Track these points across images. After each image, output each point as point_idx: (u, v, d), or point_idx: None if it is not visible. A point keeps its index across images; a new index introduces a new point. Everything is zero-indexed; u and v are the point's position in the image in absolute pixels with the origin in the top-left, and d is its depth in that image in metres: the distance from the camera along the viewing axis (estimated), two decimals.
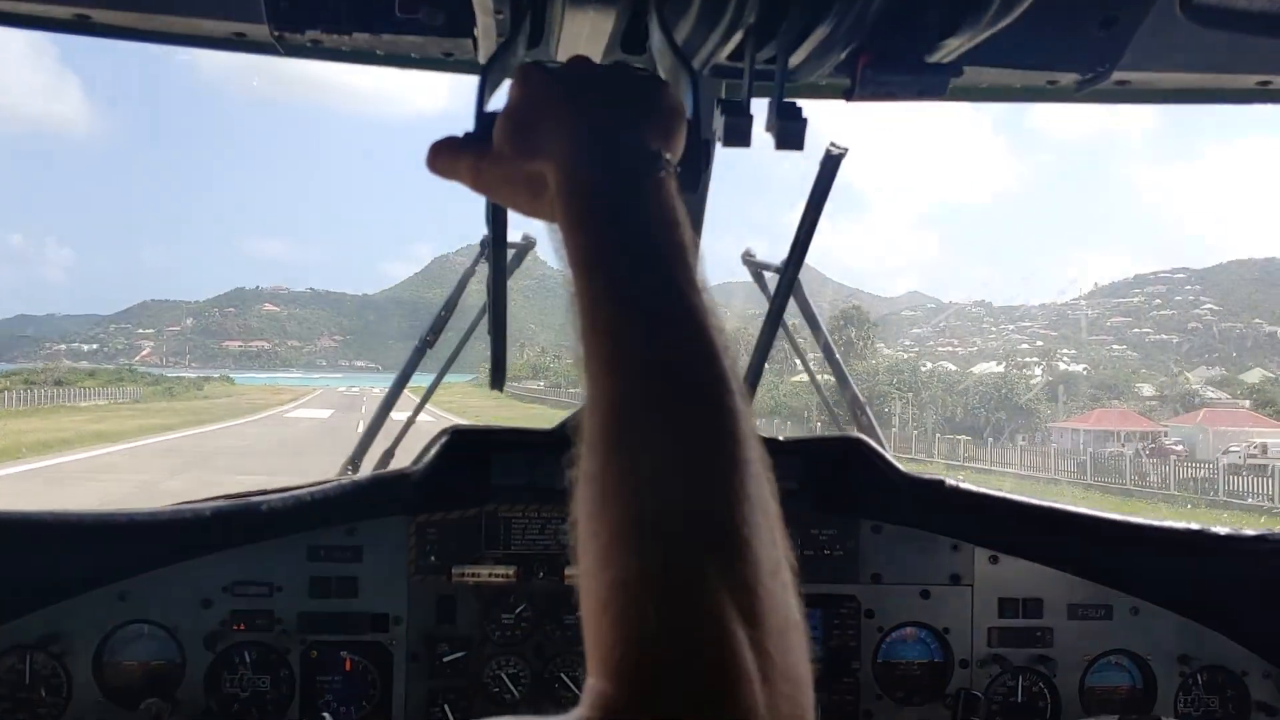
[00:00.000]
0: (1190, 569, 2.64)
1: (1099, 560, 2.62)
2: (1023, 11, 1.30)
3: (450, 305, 2.77)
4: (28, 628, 2.32)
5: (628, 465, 0.80)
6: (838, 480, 2.62)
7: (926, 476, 2.62)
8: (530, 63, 1.15)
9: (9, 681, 2.32)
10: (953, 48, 1.41)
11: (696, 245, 0.96)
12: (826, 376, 3.23)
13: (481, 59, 1.61)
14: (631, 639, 0.72)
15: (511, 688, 2.53)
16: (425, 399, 3.22)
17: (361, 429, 3.09)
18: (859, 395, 2.99)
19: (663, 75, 1.37)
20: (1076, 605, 2.62)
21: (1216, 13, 1.44)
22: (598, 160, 1.01)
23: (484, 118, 1.16)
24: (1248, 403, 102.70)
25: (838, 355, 3.04)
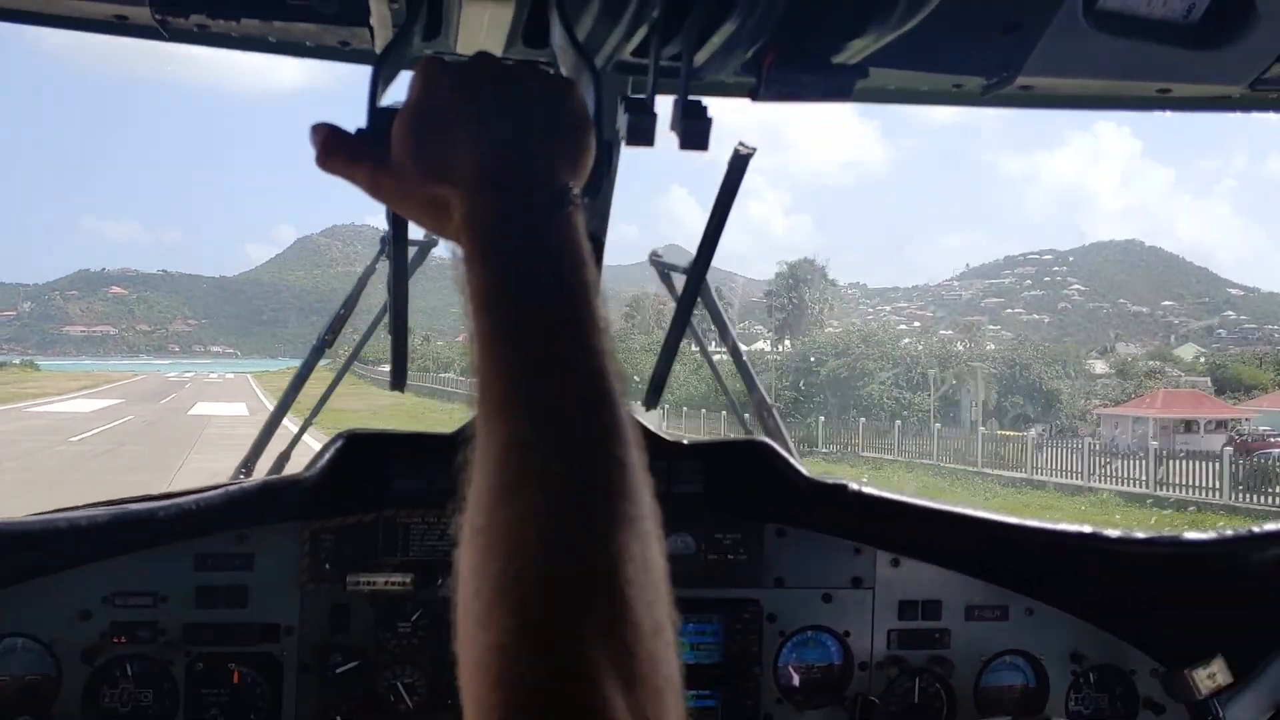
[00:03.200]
0: (1083, 570, 2.69)
1: (996, 562, 2.66)
2: (928, 15, 1.29)
3: (350, 303, 2.69)
4: None
5: (514, 517, 0.78)
6: (742, 484, 2.61)
7: (830, 480, 2.62)
8: (431, 57, 1.08)
9: None
10: (859, 49, 1.40)
11: (598, 282, 0.93)
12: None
13: (378, 49, 1.54)
14: (509, 699, 0.71)
15: (407, 698, 2.45)
16: (324, 399, 3.13)
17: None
18: (765, 398, 2.98)
19: (565, 72, 1.33)
20: (974, 607, 2.65)
21: (1119, 20, 1.46)
22: (507, 196, 0.96)
23: (378, 114, 1.09)
24: (1208, 379, 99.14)
25: (745, 358, 3.04)
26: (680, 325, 2.44)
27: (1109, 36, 1.48)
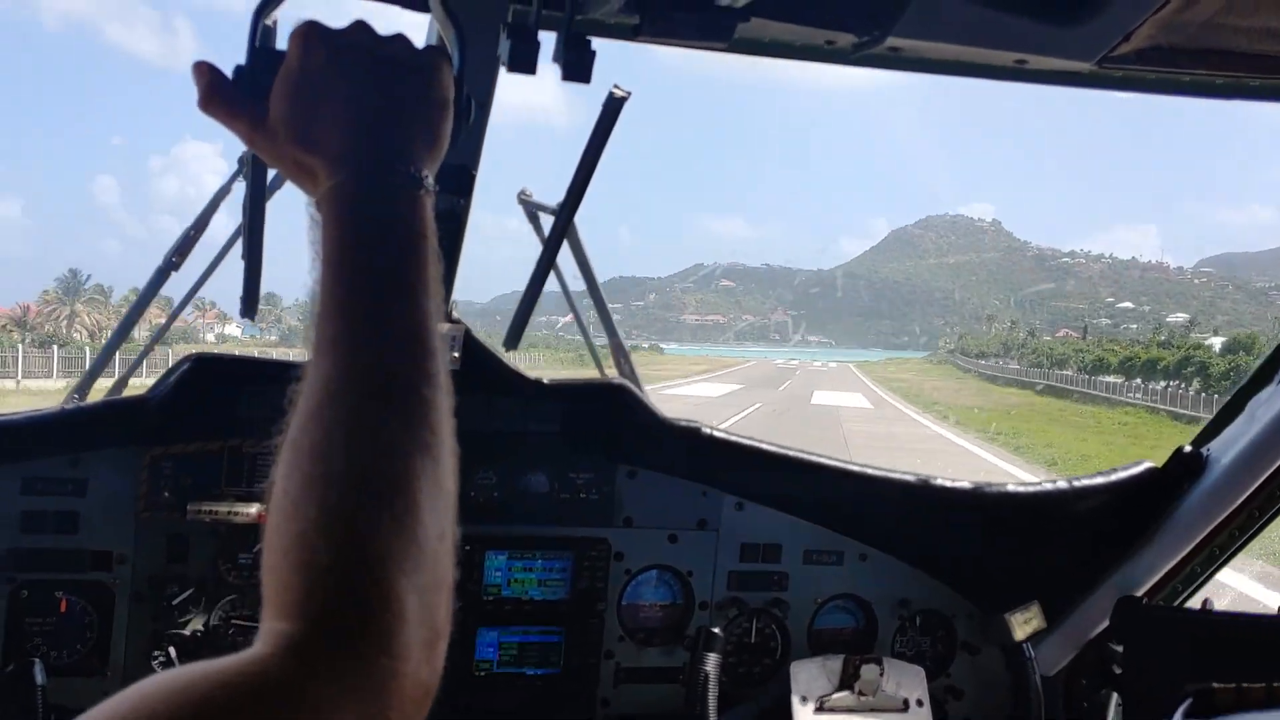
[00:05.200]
0: (914, 518, 2.82)
1: (834, 508, 2.76)
2: None
3: (200, 225, 2.58)
4: None
5: (325, 433, 0.90)
6: (598, 425, 2.63)
7: (683, 423, 2.67)
8: (311, 23, 1.10)
9: None
10: None
11: (436, 252, 1.04)
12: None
13: None
14: (309, 581, 0.81)
15: (243, 630, 2.40)
16: (170, 322, 2.99)
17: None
18: (623, 342, 3.00)
19: (439, 16, 1.33)
20: (811, 551, 2.76)
21: None
22: (366, 179, 1.05)
23: (258, 55, 1.13)
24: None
25: (605, 301, 3.05)
26: (545, 266, 2.44)
27: (976, 4, 1.54)
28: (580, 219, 2.48)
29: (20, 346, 61.66)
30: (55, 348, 64.88)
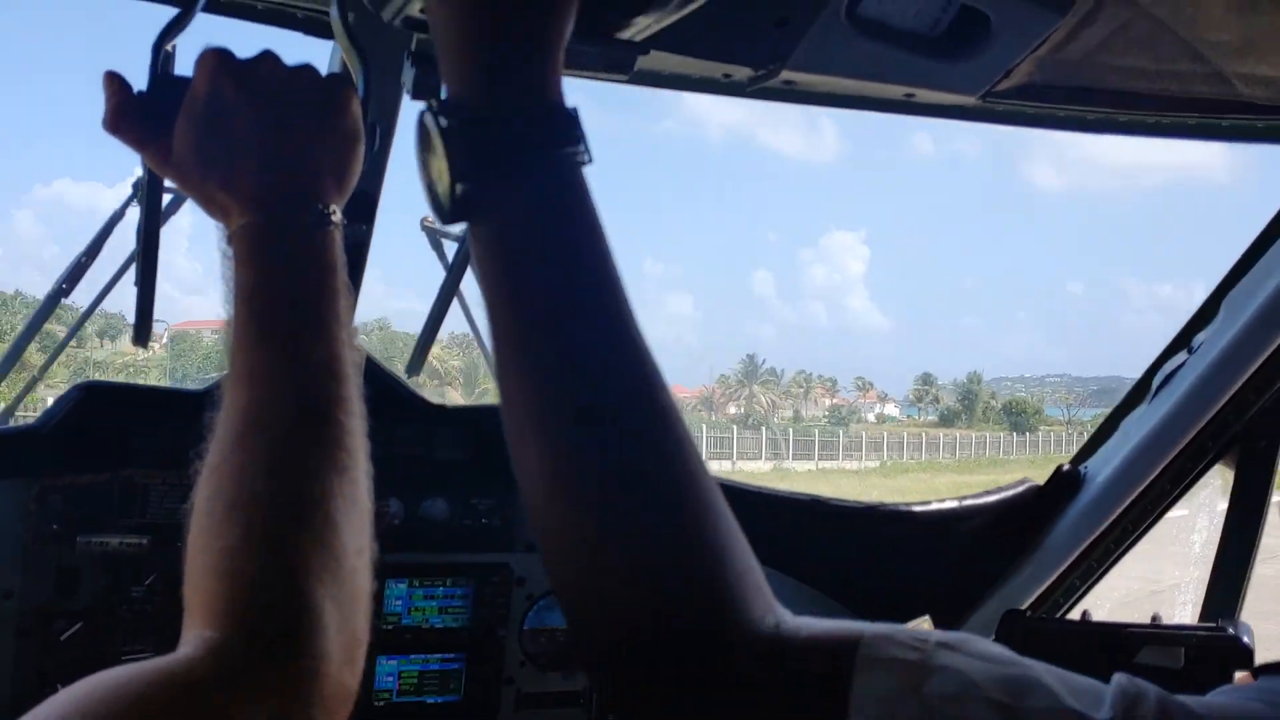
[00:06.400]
0: (807, 537, 2.88)
1: None
2: (708, 3, 1.37)
3: (92, 251, 2.52)
4: None
5: (247, 458, 0.95)
6: (501, 451, 2.62)
7: None
8: (216, 52, 1.08)
9: None
10: (642, 26, 1.47)
11: (346, 284, 1.07)
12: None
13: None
14: (234, 592, 0.88)
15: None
16: (60, 348, 2.91)
17: None
18: None
19: (341, 47, 1.34)
20: None
21: (875, 25, 1.60)
22: (276, 222, 1.05)
23: (163, 83, 1.11)
24: None
25: None
26: (448, 294, 2.45)
27: (866, 39, 1.62)
28: None
29: (735, 428, 64.86)
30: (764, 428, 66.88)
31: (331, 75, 1.15)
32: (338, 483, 0.97)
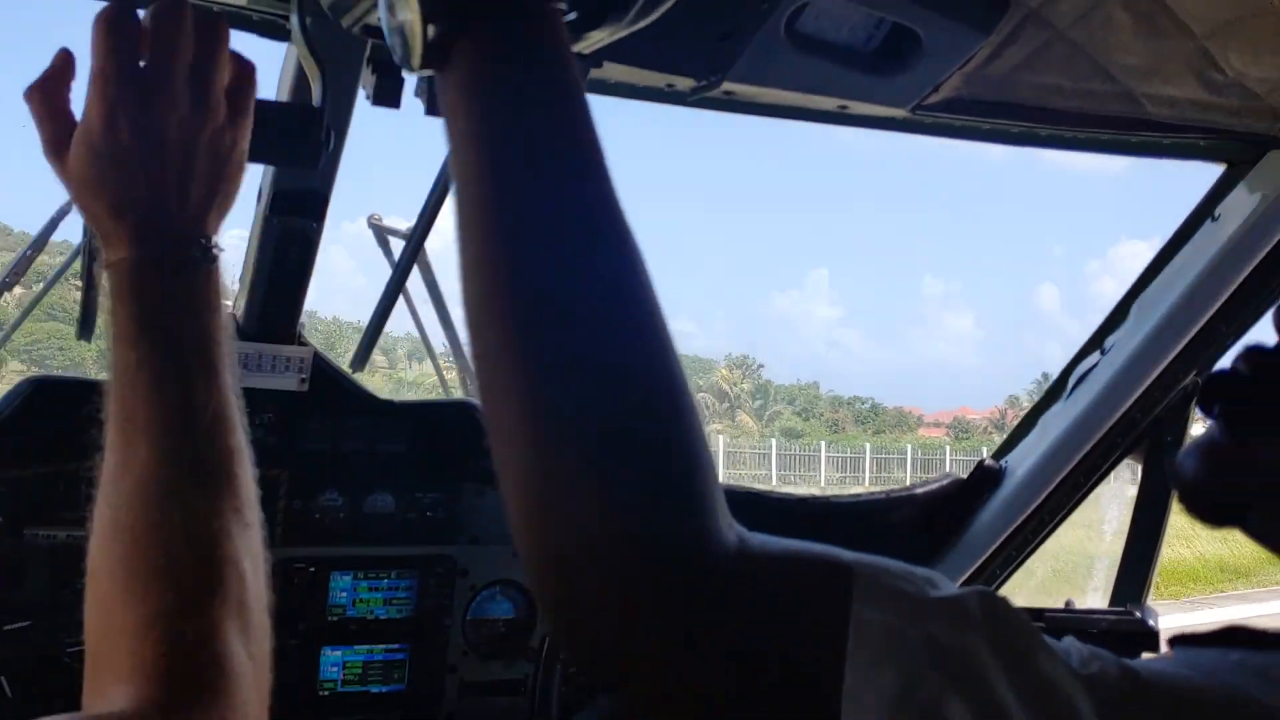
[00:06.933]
0: (744, 526, 2.96)
1: None
2: (660, 14, 1.45)
3: (38, 245, 2.51)
4: None
5: (163, 519, 0.96)
6: (445, 444, 2.69)
7: None
8: (106, 67, 0.99)
9: None
10: (595, 40, 1.54)
11: (228, 323, 1.06)
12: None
13: None
14: (167, 653, 0.91)
15: (81, 660, 2.33)
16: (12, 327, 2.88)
17: None
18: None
19: (301, 51, 1.38)
20: None
21: (812, 41, 1.69)
22: (158, 261, 1.01)
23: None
24: None
25: (455, 327, 3.11)
26: (394, 292, 2.49)
27: (803, 54, 1.71)
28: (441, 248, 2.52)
29: None
30: None
31: (233, 103, 1.08)
32: (243, 539, 1.00)
